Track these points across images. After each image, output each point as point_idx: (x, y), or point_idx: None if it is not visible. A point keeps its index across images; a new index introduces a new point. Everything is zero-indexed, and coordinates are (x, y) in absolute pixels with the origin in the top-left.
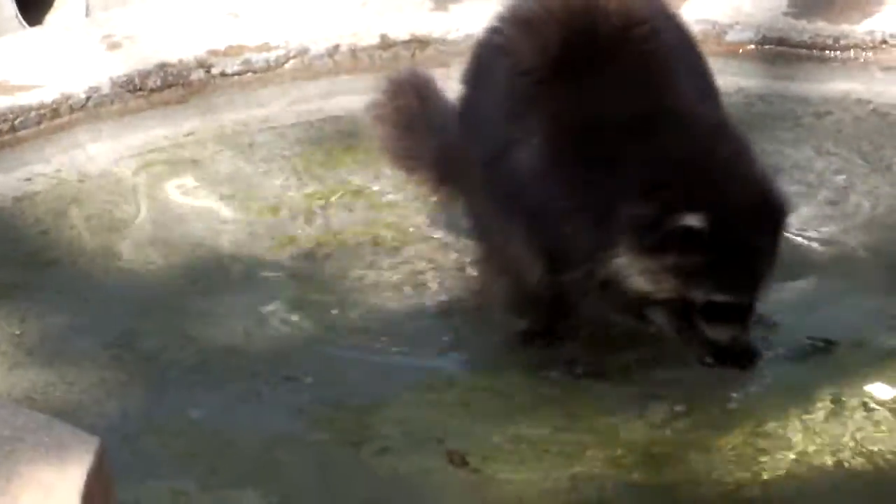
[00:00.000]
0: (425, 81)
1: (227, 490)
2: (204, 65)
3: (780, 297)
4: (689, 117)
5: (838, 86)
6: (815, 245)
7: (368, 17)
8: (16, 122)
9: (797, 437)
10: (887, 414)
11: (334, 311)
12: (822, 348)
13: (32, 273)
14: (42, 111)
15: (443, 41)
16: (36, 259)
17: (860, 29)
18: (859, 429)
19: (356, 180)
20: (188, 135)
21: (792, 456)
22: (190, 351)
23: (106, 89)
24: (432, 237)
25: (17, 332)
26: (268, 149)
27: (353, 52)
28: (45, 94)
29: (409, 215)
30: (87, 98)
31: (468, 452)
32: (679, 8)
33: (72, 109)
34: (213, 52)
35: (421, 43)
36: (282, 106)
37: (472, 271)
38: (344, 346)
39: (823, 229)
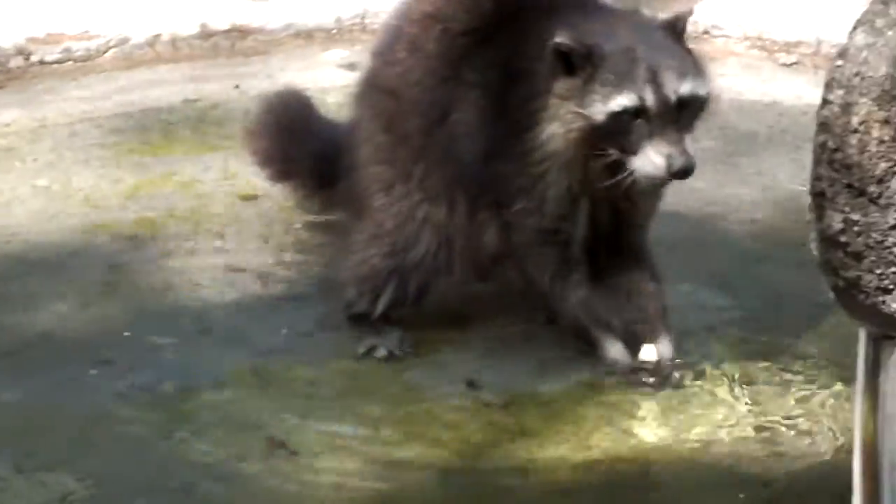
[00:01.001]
0: (298, 97)
1: (43, 473)
2: (23, 52)
3: None
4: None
5: None
6: None
7: (188, 6)
8: None
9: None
10: None
11: (153, 298)
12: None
13: None
14: None
15: (261, 31)
16: None
17: None
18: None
19: (176, 169)
20: (6, 125)
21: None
22: (2, 337)
23: None
24: (252, 227)
25: None
26: (87, 138)
27: (174, 41)
28: None
29: (231, 204)
30: None
31: (287, 440)
32: None
33: None
34: (33, 40)
35: (241, 32)
36: (102, 95)
37: (299, 256)
38: (162, 333)
39: None
